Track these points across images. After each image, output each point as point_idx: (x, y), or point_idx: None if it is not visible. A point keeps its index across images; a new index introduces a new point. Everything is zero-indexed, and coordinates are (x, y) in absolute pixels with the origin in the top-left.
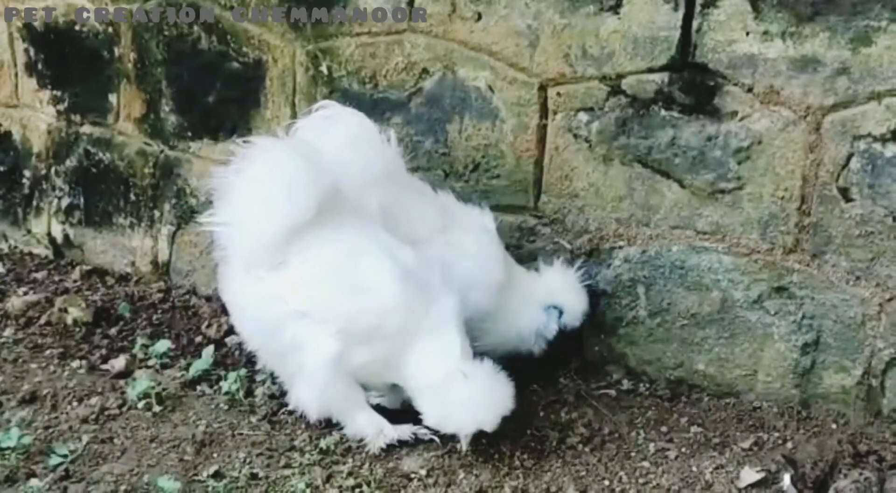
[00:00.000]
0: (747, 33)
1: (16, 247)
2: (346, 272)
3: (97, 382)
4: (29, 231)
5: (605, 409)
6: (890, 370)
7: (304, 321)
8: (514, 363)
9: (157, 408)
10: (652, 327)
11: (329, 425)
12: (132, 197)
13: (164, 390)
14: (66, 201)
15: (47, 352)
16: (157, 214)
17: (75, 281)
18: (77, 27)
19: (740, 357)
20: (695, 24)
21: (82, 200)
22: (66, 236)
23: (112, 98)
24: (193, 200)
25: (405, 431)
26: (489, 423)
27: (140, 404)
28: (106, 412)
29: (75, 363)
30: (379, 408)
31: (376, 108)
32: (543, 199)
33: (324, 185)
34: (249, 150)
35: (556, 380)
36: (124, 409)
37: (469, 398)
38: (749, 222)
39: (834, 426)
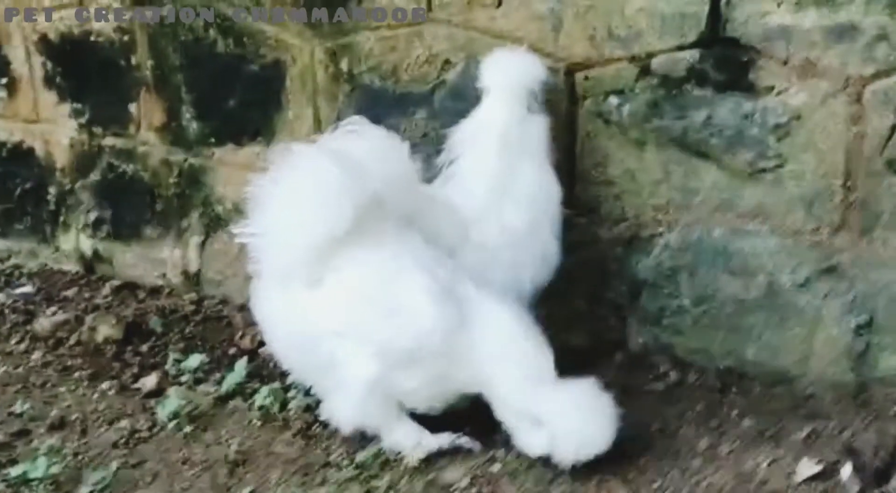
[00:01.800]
0: (779, 4)
1: (45, 265)
2: (383, 293)
3: (127, 403)
4: (57, 248)
5: (653, 404)
6: None
7: (341, 340)
8: (557, 358)
9: (188, 428)
10: (697, 316)
11: (364, 437)
12: (159, 208)
13: (194, 408)
14: (93, 216)
15: (76, 374)
16: (184, 223)
17: (106, 297)
18: (92, 37)
19: (791, 343)
20: None
21: (109, 213)
22: (96, 251)
23: (132, 108)
24: (220, 208)
25: (445, 440)
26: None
27: (171, 425)
28: (136, 435)
29: (105, 384)
30: (417, 415)
31: (400, 103)
32: (577, 188)
33: (364, 195)
34: (285, 156)
35: (602, 375)
36: (155, 430)
37: (575, 425)
38: (792, 202)
39: (893, 410)
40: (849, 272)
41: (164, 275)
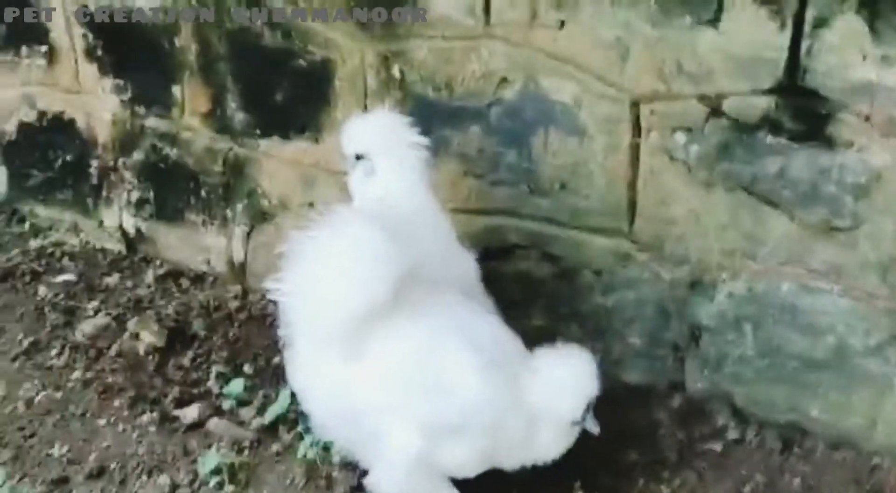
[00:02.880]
0: (864, 57)
1: (87, 242)
2: (427, 368)
3: (167, 445)
4: (101, 223)
5: (709, 472)
6: None
7: (383, 414)
8: (612, 395)
9: (229, 488)
10: (761, 367)
11: None
12: (203, 194)
13: (235, 458)
14: (135, 195)
15: (117, 401)
16: (229, 213)
17: (149, 287)
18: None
19: (858, 406)
20: (804, 46)
21: (152, 194)
22: (139, 230)
23: (176, 90)
24: (266, 202)
25: None
26: None
27: (212, 483)
28: (177, 491)
29: (146, 417)
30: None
31: (454, 116)
32: (638, 223)
33: (405, 263)
34: (327, 217)
35: (657, 425)
36: (195, 486)
37: None
38: (867, 265)
39: None
40: None
41: (208, 262)
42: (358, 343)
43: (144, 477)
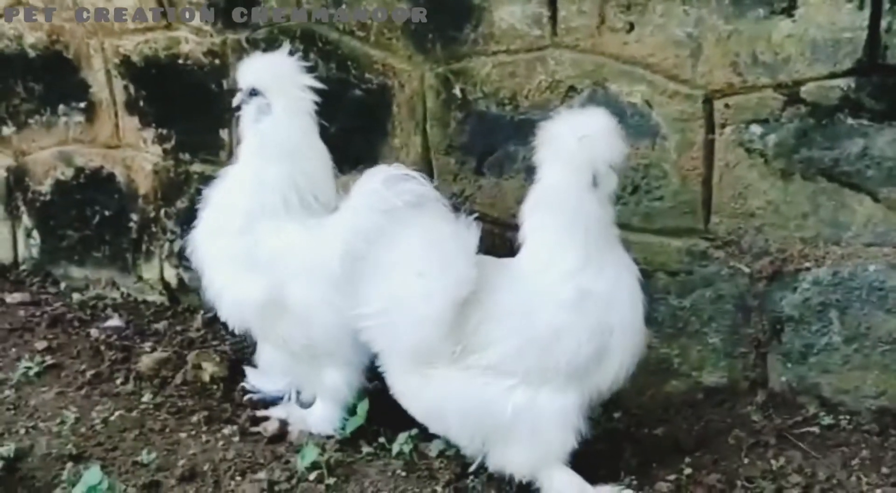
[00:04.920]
0: None
1: (129, 295)
2: (533, 328)
3: (255, 450)
4: (140, 277)
5: (813, 450)
6: None
7: (520, 390)
8: (692, 399)
9: (329, 480)
10: (848, 354)
11: (522, 490)
12: None
13: (331, 458)
14: (178, 244)
15: (193, 418)
16: None
17: (198, 330)
18: (180, 61)
19: None
20: (883, 23)
21: None
22: (181, 281)
23: (223, 134)
24: None
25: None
26: None
27: (311, 476)
28: (276, 488)
29: (226, 429)
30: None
31: (518, 130)
32: (714, 220)
33: (475, 245)
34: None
35: (747, 417)
36: (294, 482)
37: None
38: None
39: None
40: None
41: None
42: (457, 341)
43: (238, 477)
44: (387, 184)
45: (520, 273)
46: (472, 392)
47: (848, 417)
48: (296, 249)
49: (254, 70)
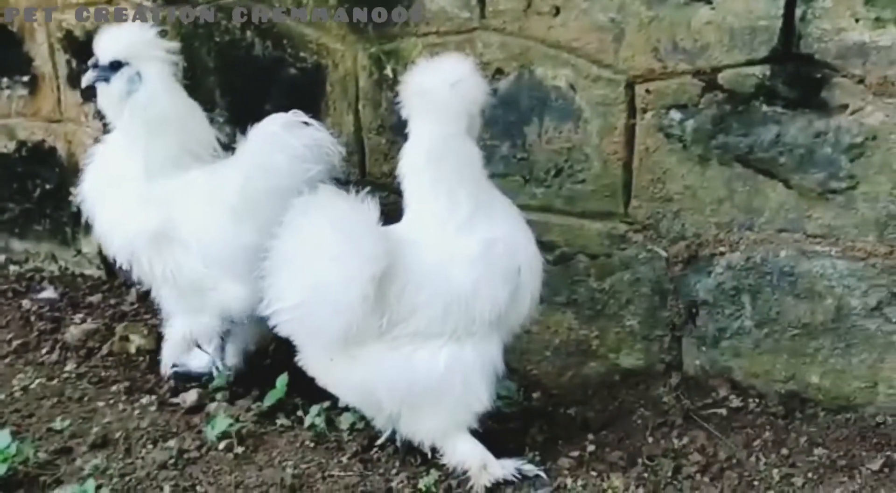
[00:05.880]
0: (857, 20)
1: (66, 268)
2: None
3: (170, 420)
4: (79, 251)
5: (717, 431)
6: None
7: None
8: (610, 380)
9: (238, 449)
10: (759, 338)
11: (425, 461)
12: None
13: (243, 427)
14: None
15: (113, 387)
16: None
17: (132, 304)
18: None
19: (858, 369)
20: (798, 13)
21: None
22: None
23: None
24: None
25: (510, 467)
26: None
27: (221, 446)
28: (185, 456)
29: (145, 399)
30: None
31: None
32: (634, 204)
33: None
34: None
35: (658, 398)
36: (203, 451)
37: None
38: (865, 224)
39: None
40: None
41: None
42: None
43: (150, 445)
44: (286, 128)
45: (423, 234)
46: (401, 362)
47: (757, 400)
48: (193, 185)
49: (116, 42)
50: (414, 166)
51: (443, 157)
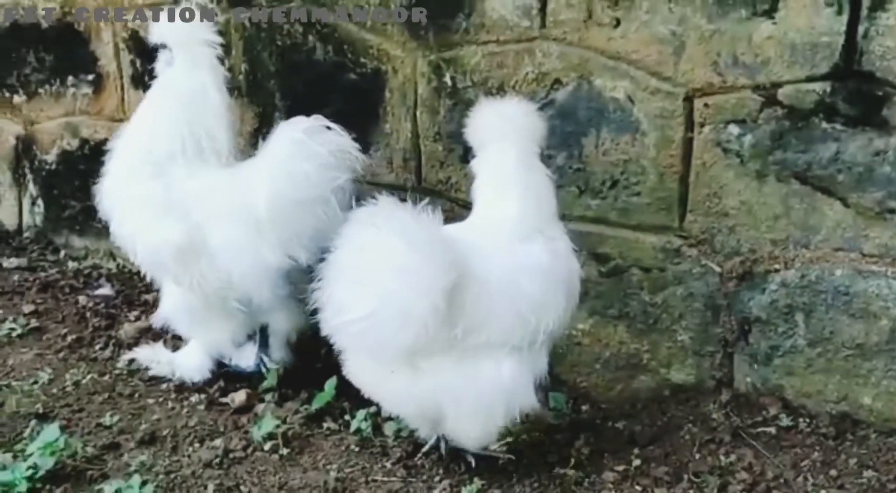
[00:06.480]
0: None
1: (123, 266)
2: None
3: (218, 419)
4: None
5: (765, 449)
6: None
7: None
8: (659, 395)
9: (283, 451)
10: (812, 357)
11: (469, 469)
12: None
13: (289, 429)
14: None
15: (164, 385)
16: None
17: None
18: None
19: None
20: (861, 29)
21: None
22: None
23: None
24: None
25: None
26: None
27: (266, 446)
28: (230, 455)
29: (194, 398)
30: None
31: None
32: (689, 218)
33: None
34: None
35: (707, 415)
36: (249, 451)
37: None
38: None
39: None
40: None
41: None
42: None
43: (196, 444)
44: (309, 133)
45: (487, 238)
46: (468, 373)
47: (807, 420)
48: (215, 191)
49: (161, 27)
50: (490, 178)
51: (523, 170)
